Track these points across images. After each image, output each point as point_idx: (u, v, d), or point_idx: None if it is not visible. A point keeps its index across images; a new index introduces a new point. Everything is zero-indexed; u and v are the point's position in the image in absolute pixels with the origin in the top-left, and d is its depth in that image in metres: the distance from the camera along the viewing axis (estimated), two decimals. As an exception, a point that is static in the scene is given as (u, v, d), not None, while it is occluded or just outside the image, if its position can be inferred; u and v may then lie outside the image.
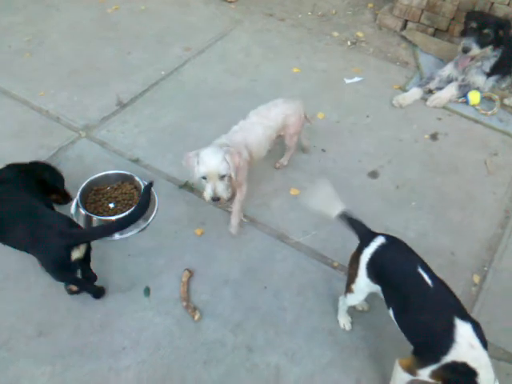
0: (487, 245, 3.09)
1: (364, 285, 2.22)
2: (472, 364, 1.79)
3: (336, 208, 2.38)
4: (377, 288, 2.19)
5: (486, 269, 2.95)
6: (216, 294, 2.76)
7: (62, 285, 2.67)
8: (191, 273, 2.80)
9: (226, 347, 2.54)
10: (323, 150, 3.66)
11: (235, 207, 2.97)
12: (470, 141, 3.82)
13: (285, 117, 3.03)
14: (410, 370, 2.01)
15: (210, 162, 2.52)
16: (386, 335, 2.55)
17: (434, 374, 1.91)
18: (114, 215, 3.08)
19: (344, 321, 2.60)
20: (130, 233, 3.07)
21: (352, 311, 2.65)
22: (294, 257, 2.99)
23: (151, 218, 3.16)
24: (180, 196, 3.30)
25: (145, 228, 3.11)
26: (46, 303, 2.68)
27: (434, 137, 3.83)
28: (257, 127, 2.92)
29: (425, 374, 1.94)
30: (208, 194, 2.58)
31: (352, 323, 2.63)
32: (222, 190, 2.57)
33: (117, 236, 3.05)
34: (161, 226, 3.12)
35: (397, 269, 2.07)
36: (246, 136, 2.85)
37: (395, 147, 3.74)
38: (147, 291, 2.75)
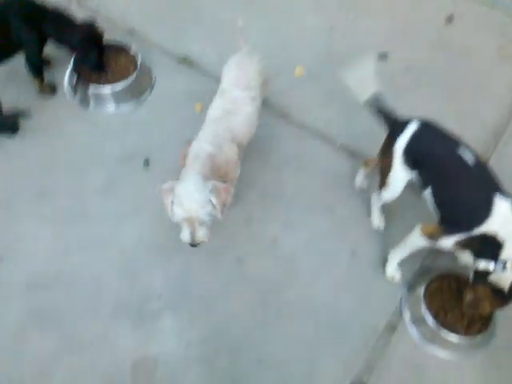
0: (493, 131, 3.03)
1: (401, 175, 2.16)
2: (501, 237, 1.84)
3: (369, 91, 2.23)
4: (412, 175, 2.14)
5: (488, 154, 2.92)
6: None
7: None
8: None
9: (227, 219, 2.56)
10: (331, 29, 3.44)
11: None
12: (486, 27, 3.59)
13: (261, 74, 2.45)
14: (432, 237, 2.06)
15: (189, 206, 1.88)
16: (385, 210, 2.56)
17: (458, 243, 1.97)
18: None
19: (378, 221, 2.53)
20: (127, 106, 2.97)
21: (350, 193, 2.66)
22: (297, 136, 2.93)
23: (147, 92, 3.04)
24: (179, 71, 3.15)
25: (141, 102, 3.00)
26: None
27: (449, 19, 3.59)
28: (245, 104, 2.28)
29: (448, 242, 2.00)
30: (185, 238, 1.98)
31: (351, 199, 2.65)
32: (203, 235, 1.97)
33: (113, 109, 2.96)
34: (159, 100, 3.02)
35: (436, 151, 2.02)
36: (232, 124, 2.22)
37: (408, 28, 3.52)
38: (147, 162, 2.72)
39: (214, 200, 1.91)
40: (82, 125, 2.90)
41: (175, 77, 3.14)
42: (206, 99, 2.91)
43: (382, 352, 2.15)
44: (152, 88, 3.08)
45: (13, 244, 2.43)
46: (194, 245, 1.98)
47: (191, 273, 2.37)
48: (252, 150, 2.78)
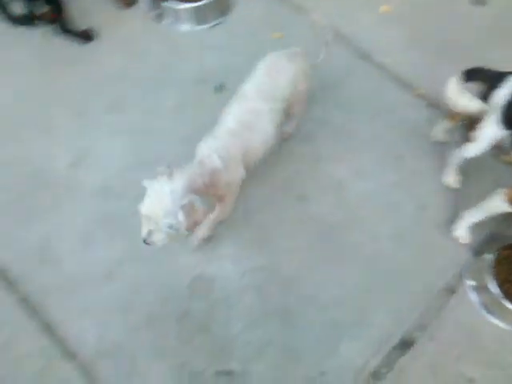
0: None
1: (492, 132, 2.02)
2: None
3: None
4: (504, 134, 2.00)
5: None
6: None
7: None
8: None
9: (295, 155, 2.52)
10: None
11: (208, 222, 2.18)
12: None
13: (293, 81, 2.10)
14: None
15: (153, 208, 1.71)
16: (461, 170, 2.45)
17: None
18: None
19: (452, 178, 2.40)
20: (204, 27, 2.88)
21: (424, 146, 2.53)
22: (375, 77, 2.78)
23: (225, 14, 2.93)
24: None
25: (218, 24, 2.90)
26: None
27: None
28: (264, 120, 1.99)
29: None
30: (142, 233, 1.78)
31: (424, 152, 2.53)
32: (159, 239, 1.78)
33: (189, 28, 2.88)
34: (236, 24, 2.92)
35: None
36: (246, 142, 1.96)
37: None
38: (220, 87, 2.67)
39: (180, 217, 1.70)
40: (156, 41, 2.86)
41: (254, 2, 3.00)
42: (288, 27, 2.79)
43: (436, 312, 2.13)
44: (230, 11, 2.96)
45: (87, 151, 2.51)
46: (147, 244, 1.79)
47: (254, 204, 2.38)
48: (327, 88, 2.68)
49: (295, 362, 2.01)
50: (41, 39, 2.88)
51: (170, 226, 1.71)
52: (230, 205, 2.12)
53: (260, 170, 2.41)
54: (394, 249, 2.28)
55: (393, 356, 2.02)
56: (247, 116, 1.96)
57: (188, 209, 1.71)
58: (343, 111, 2.66)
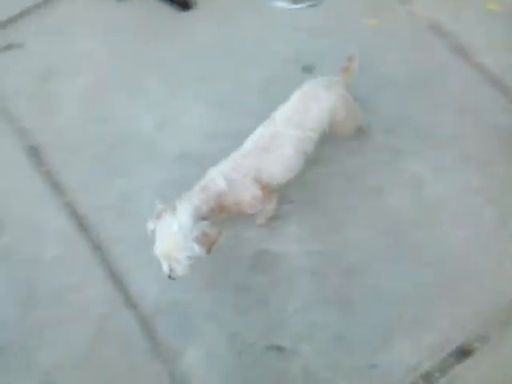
0: None
1: None
2: None
3: None
4: None
5: None
6: (375, 93, 2.59)
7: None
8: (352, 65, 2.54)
9: (372, 145, 2.47)
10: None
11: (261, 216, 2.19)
12: None
13: (329, 112, 2.00)
14: None
15: (167, 246, 1.72)
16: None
17: None
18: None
19: None
20: (301, 5, 2.86)
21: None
22: (469, 77, 2.64)
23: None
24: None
25: (314, 5, 2.87)
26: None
27: None
28: (285, 145, 1.91)
29: None
30: (165, 271, 1.80)
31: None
32: (182, 270, 1.77)
33: (287, 5, 2.87)
34: (332, 7, 2.87)
35: None
36: (260, 163, 1.89)
37: None
38: (308, 68, 2.65)
39: (196, 248, 1.70)
40: (251, 15, 2.89)
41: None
42: (384, 14, 2.71)
43: (502, 326, 2.02)
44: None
45: (171, 117, 2.60)
46: (172, 279, 1.82)
47: (327, 188, 2.36)
48: (412, 81, 2.59)
49: (346, 350, 2.00)
50: (139, 2, 2.99)
51: (189, 258, 1.72)
52: (265, 209, 2.10)
53: (335, 157, 2.39)
54: (466, 255, 2.18)
55: (448, 362, 1.95)
56: (266, 139, 1.91)
57: (201, 238, 1.71)
58: (430, 107, 2.56)
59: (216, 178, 1.85)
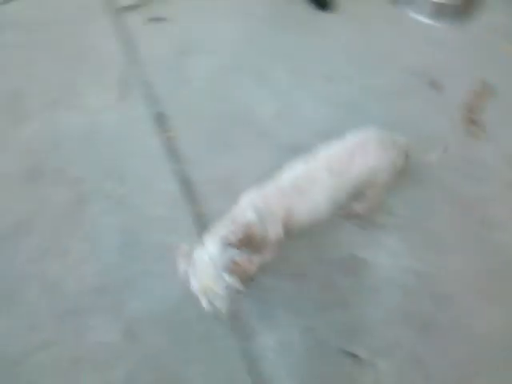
0: None
1: None
2: None
3: None
4: None
5: None
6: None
7: None
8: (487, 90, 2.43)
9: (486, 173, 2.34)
10: None
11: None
12: None
13: (373, 173, 1.88)
14: None
15: (202, 279, 1.67)
16: None
17: None
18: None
19: None
20: (438, 22, 2.80)
21: None
22: None
23: (464, 18, 2.79)
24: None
25: (453, 24, 2.79)
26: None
27: None
28: (319, 189, 1.80)
29: None
30: (206, 307, 1.71)
31: None
32: (222, 302, 1.70)
33: (423, 19, 2.82)
34: (472, 28, 2.76)
35: None
36: (294, 204, 1.80)
37: None
38: (437, 85, 2.58)
39: (226, 278, 1.64)
40: (389, 24, 2.89)
41: (501, 9, 2.79)
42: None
43: None
44: (473, 14, 2.81)
45: (290, 108, 2.68)
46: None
47: (435, 210, 2.28)
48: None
49: (422, 376, 1.92)
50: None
51: (226, 288, 1.66)
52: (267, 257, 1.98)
53: (448, 184, 2.30)
54: None
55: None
56: (303, 181, 1.80)
57: (232, 267, 1.66)
58: None
59: (247, 209, 1.78)
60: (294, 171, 1.84)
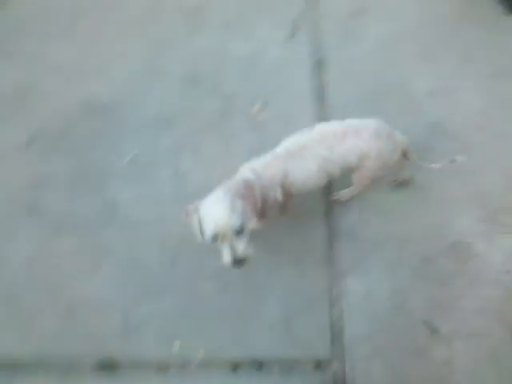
0: None
1: None
2: None
3: None
4: None
5: None
6: None
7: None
8: None
9: None
10: None
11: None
12: None
13: (362, 156, 1.94)
14: None
15: (215, 218, 1.69)
16: None
17: None
18: None
19: None
20: None
21: None
22: None
23: None
24: None
25: None
26: None
27: None
28: (310, 159, 1.92)
29: None
30: (227, 258, 1.72)
31: None
32: (244, 247, 1.71)
33: None
34: None
35: None
36: (288, 167, 1.92)
37: None
38: None
39: (238, 204, 1.71)
40: None
41: None
42: None
43: None
44: None
45: (448, 91, 2.67)
46: (237, 263, 1.71)
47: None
48: None
49: (495, 370, 1.89)
50: None
51: (241, 221, 1.70)
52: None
53: None
54: None
55: None
56: (297, 149, 1.93)
57: (240, 195, 1.74)
58: None
59: (247, 172, 1.90)
60: (289, 141, 1.98)
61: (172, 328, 2.07)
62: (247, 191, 1.80)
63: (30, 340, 2.09)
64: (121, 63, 3.00)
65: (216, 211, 1.70)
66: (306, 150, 1.93)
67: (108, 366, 2.00)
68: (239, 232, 1.70)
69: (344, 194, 2.34)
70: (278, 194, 1.94)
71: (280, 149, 1.97)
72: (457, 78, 2.72)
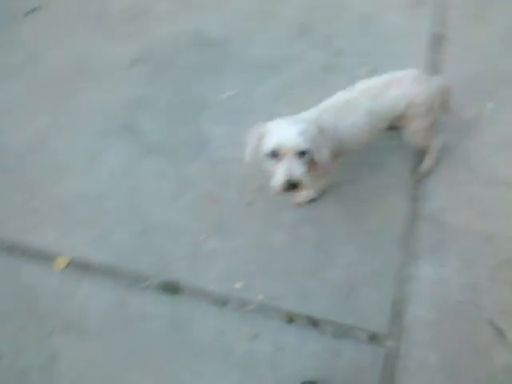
0: None
1: None
2: None
3: None
4: None
5: None
6: None
7: None
8: None
9: None
10: None
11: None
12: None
13: (408, 104, 1.92)
14: None
15: (284, 132, 1.64)
16: None
17: None
18: None
19: None
20: None
21: None
22: None
23: None
24: None
25: None
26: None
27: None
28: (357, 111, 1.89)
29: None
30: (280, 177, 1.63)
31: None
32: (301, 172, 1.64)
33: None
34: None
35: None
36: (337, 121, 1.87)
37: None
38: None
39: (310, 131, 1.67)
40: None
41: None
42: None
43: None
44: None
45: None
46: (290, 186, 1.63)
47: None
48: None
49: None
50: None
51: (307, 144, 1.65)
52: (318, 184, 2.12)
53: None
54: None
55: None
56: (342, 105, 1.91)
57: (313, 127, 1.71)
58: None
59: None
60: (333, 98, 1.96)
61: (237, 268, 2.13)
62: (322, 134, 1.78)
63: (105, 247, 2.23)
64: (237, 1, 2.97)
65: (285, 128, 1.68)
66: (352, 104, 1.91)
67: (171, 288, 2.10)
68: (302, 154, 1.67)
69: (425, 165, 2.27)
70: (327, 153, 1.81)
71: (325, 104, 1.95)
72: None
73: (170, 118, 2.56)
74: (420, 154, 2.28)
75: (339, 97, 1.95)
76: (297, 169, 1.65)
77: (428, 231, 2.15)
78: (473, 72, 2.53)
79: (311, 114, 1.91)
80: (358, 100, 1.91)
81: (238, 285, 2.09)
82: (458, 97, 2.38)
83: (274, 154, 1.66)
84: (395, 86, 1.93)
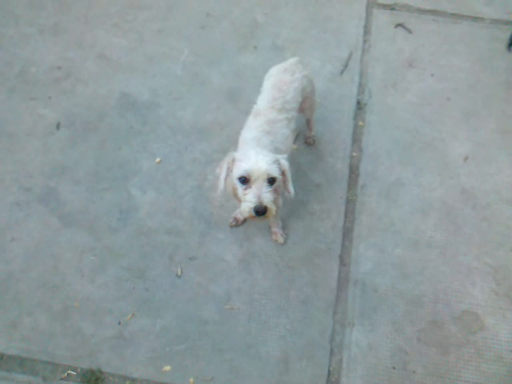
0: None
1: None
2: None
3: None
4: None
5: None
6: None
7: None
8: None
9: None
10: None
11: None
12: None
13: (302, 92, 2.17)
14: None
15: (257, 157, 1.67)
16: None
17: None
18: None
19: None
20: None
21: None
22: None
23: None
24: None
25: None
26: None
27: None
28: (281, 124, 2.03)
29: None
30: (249, 203, 1.67)
31: None
32: (270, 198, 1.67)
33: None
34: None
35: None
36: (273, 139, 1.97)
37: None
38: None
39: (282, 162, 1.75)
40: None
41: None
42: None
43: None
44: None
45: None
46: (259, 211, 1.65)
47: None
48: None
49: None
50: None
51: (278, 172, 1.70)
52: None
53: None
54: None
55: None
56: (267, 126, 1.98)
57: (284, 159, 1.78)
58: None
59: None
60: (252, 124, 2.02)
61: (165, 348, 2.02)
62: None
63: (16, 336, 2.03)
64: (169, 64, 2.93)
65: (258, 154, 1.70)
66: (276, 123, 2.02)
67: (92, 379, 1.94)
68: (272, 182, 1.69)
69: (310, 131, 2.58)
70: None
71: (250, 133, 1.99)
72: (495, 147, 2.66)
73: (94, 186, 2.44)
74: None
75: (258, 125, 2.02)
76: (267, 194, 1.67)
77: (358, 296, 2.18)
78: (390, 138, 2.66)
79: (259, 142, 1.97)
80: (278, 116, 2.03)
81: (166, 368, 1.97)
82: (380, 162, 2.49)
83: (246, 180, 1.68)
84: (286, 85, 2.10)
